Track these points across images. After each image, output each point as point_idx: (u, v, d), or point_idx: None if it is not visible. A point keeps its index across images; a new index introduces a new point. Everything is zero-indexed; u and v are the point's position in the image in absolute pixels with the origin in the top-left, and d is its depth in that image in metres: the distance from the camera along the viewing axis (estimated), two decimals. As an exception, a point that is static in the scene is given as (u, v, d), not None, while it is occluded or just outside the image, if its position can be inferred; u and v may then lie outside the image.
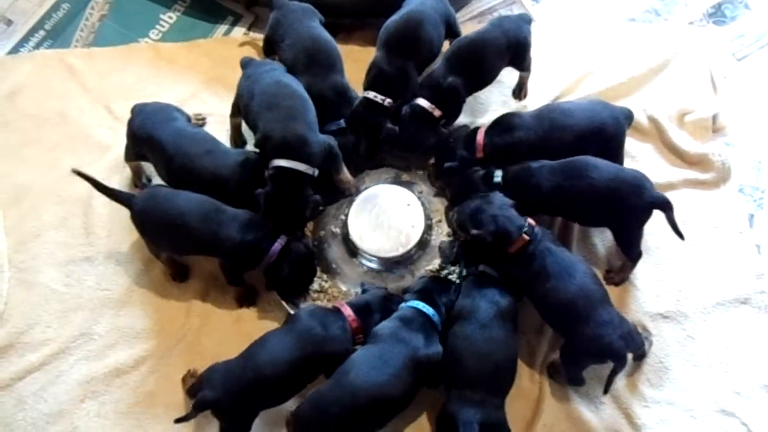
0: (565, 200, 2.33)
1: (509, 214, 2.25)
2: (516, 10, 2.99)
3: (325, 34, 2.64)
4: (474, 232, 2.25)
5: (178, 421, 2.11)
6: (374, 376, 2.04)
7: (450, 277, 2.44)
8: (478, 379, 2.08)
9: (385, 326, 2.17)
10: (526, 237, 2.22)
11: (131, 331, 2.43)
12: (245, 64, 2.57)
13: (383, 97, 2.49)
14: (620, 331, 2.13)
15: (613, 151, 2.43)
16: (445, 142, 2.54)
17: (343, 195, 2.58)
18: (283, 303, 2.38)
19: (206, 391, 2.08)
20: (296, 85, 2.46)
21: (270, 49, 2.71)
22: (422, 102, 2.50)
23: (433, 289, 2.27)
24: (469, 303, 2.19)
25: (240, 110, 2.53)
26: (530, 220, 2.26)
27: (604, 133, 2.41)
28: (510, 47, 2.54)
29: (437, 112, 2.50)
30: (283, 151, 2.30)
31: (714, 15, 2.97)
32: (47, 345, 2.41)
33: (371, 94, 2.50)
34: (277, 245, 2.30)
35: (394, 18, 2.56)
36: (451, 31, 2.65)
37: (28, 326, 2.44)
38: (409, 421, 2.26)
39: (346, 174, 2.52)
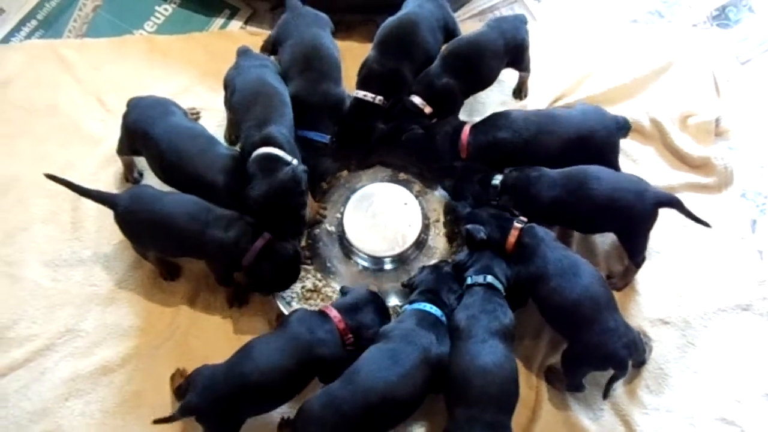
0: (566, 212, 2.30)
1: (499, 212, 2.30)
2: (518, 9, 2.96)
3: (330, 44, 2.58)
4: (469, 226, 2.26)
5: (157, 421, 2.05)
6: (386, 375, 2.01)
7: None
8: (486, 398, 2.01)
9: (396, 326, 2.13)
10: (519, 225, 2.21)
11: (119, 328, 2.38)
12: (241, 53, 2.54)
13: (373, 96, 2.45)
14: (625, 339, 2.09)
15: (605, 159, 2.38)
16: (429, 139, 2.46)
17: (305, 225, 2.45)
18: (278, 303, 2.33)
19: (191, 395, 2.04)
20: (279, 86, 2.41)
21: (272, 48, 2.65)
22: (415, 99, 2.47)
23: (440, 288, 2.21)
24: (471, 318, 2.12)
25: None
26: (523, 218, 2.26)
27: (593, 141, 2.37)
28: (508, 49, 2.53)
29: (428, 109, 2.47)
30: (261, 146, 2.25)
31: (718, 18, 2.95)
32: (32, 341, 2.36)
33: (361, 94, 2.47)
34: (258, 243, 2.22)
35: (391, 19, 2.55)
36: (452, 36, 2.62)
37: (12, 321, 2.39)
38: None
39: (309, 201, 2.43)
